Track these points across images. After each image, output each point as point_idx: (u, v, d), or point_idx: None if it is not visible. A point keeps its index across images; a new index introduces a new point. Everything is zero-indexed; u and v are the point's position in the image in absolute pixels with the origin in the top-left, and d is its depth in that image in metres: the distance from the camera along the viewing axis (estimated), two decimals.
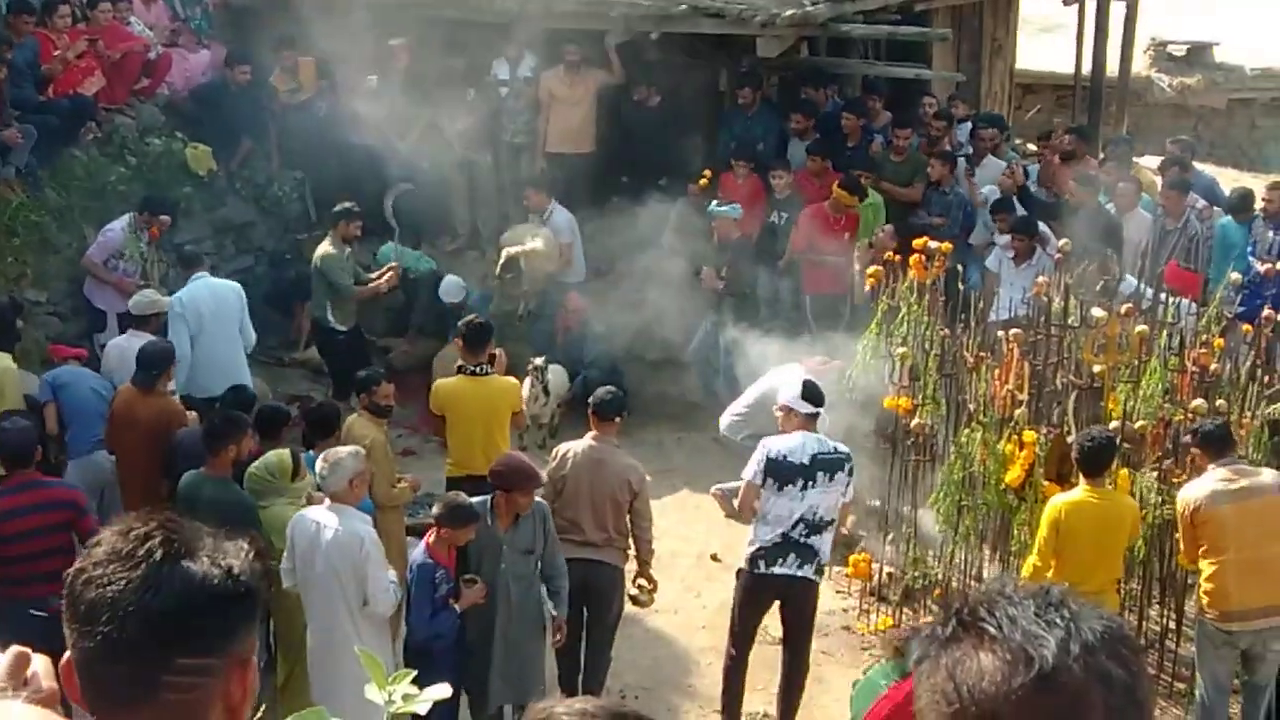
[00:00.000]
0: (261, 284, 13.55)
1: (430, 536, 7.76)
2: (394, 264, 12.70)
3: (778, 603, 8.53)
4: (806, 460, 8.21)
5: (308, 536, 7.55)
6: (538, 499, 8.03)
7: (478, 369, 9.49)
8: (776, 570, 8.26)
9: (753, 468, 8.31)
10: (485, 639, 7.92)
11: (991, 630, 1.68)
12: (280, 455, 8.27)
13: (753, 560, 8.32)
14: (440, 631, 7.66)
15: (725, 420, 10.84)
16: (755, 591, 8.41)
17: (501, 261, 12.74)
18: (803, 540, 8.26)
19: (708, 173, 13.38)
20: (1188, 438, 8.38)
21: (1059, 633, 1.66)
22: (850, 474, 8.40)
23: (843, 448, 8.50)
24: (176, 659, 1.97)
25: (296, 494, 8.17)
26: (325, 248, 12.24)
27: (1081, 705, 1.64)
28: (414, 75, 14.41)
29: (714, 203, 12.82)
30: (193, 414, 9.58)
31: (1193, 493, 8.02)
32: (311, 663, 7.79)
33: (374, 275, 12.51)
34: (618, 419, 8.73)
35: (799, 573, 8.29)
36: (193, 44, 14.57)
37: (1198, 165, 14.88)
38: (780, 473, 8.19)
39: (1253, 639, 7.96)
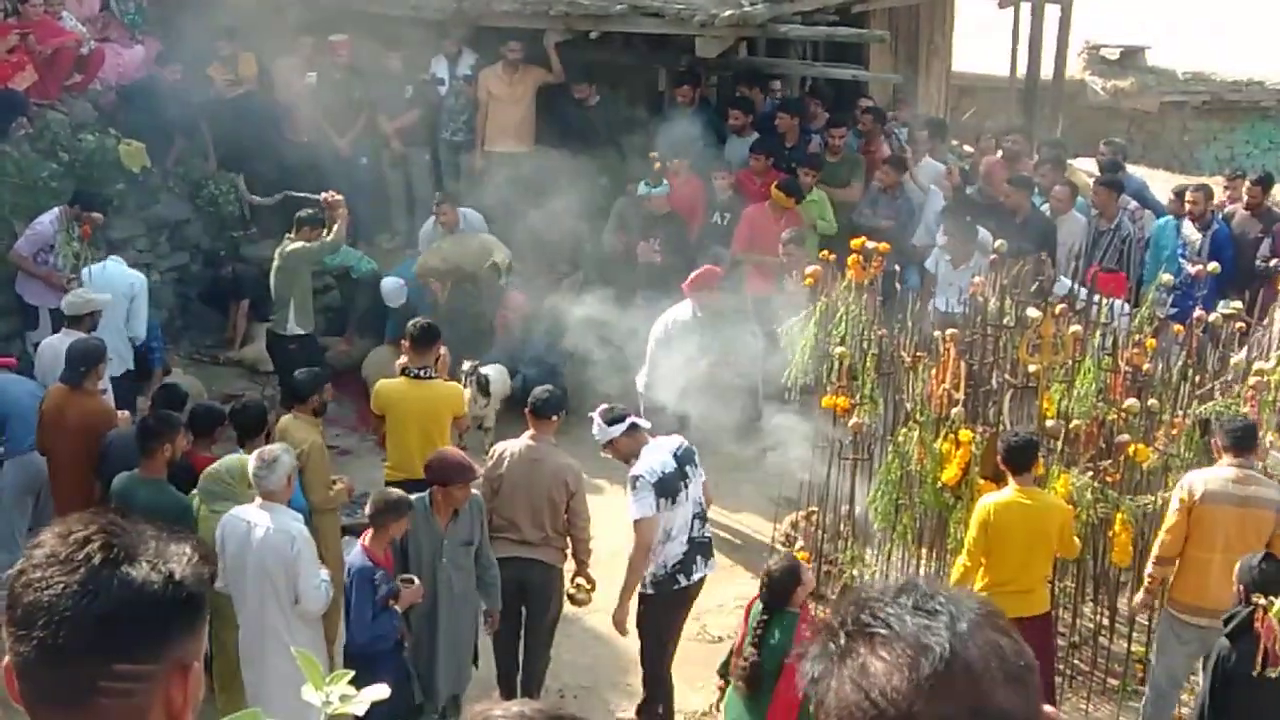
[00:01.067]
0: (197, 282, 13.44)
1: (365, 537, 7.71)
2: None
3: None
4: (674, 464, 8.23)
5: (238, 536, 7.49)
6: (473, 491, 8.05)
7: (421, 372, 9.42)
8: (694, 578, 8.31)
9: (646, 502, 8.11)
10: (430, 633, 7.97)
11: (882, 632, 1.73)
12: (241, 459, 8.16)
13: (670, 579, 8.26)
14: (382, 633, 7.61)
15: (641, 380, 10.86)
16: (676, 607, 8.41)
17: (504, 265, 12.60)
18: (700, 536, 8.35)
19: (654, 156, 13.34)
20: (1216, 430, 8.27)
21: (944, 618, 1.73)
22: (694, 451, 8.49)
23: (675, 436, 8.65)
24: (115, 665, 1.96)
25: (249, 500, 8.09)
26: (300, 245, 11.90)
27: (984, 678, 1.71)
28: (353, 72, 14.34)
29: (643, 183, 12.89)
30: (124, 414, 9.47)
31: (1200, 483, 7.92)
32: (243, 662, 7.74)
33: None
34: (555, 418, 8.70)
35: (705, 571, 8.42)
36: (126, 39, 14.42)
37: (1129, 167, 15.08)
38: (668, 488, 8.18)
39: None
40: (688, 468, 8.28)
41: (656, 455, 8.26)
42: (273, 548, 7.42)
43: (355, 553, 7.71)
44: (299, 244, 11.77)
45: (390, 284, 12.97)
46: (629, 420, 8.36)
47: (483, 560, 8.20)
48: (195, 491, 8.24)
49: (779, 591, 7.15)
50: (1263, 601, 6.82)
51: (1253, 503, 7.84)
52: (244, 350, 13.28)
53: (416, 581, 7.73)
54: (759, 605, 7.29)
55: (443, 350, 9.86)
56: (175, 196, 13.71)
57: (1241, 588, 7.00)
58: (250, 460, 7.66)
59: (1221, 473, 7.93)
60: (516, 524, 8.44)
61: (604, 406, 8.62)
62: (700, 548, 8.34)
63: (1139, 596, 8.49)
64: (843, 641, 1.76)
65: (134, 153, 13.22)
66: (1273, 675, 6.75)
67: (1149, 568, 8.15)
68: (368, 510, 7.76)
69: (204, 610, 2.08)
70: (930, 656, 1.70)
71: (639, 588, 8.30)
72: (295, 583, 7.43)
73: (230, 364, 13.23)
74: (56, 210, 11.67)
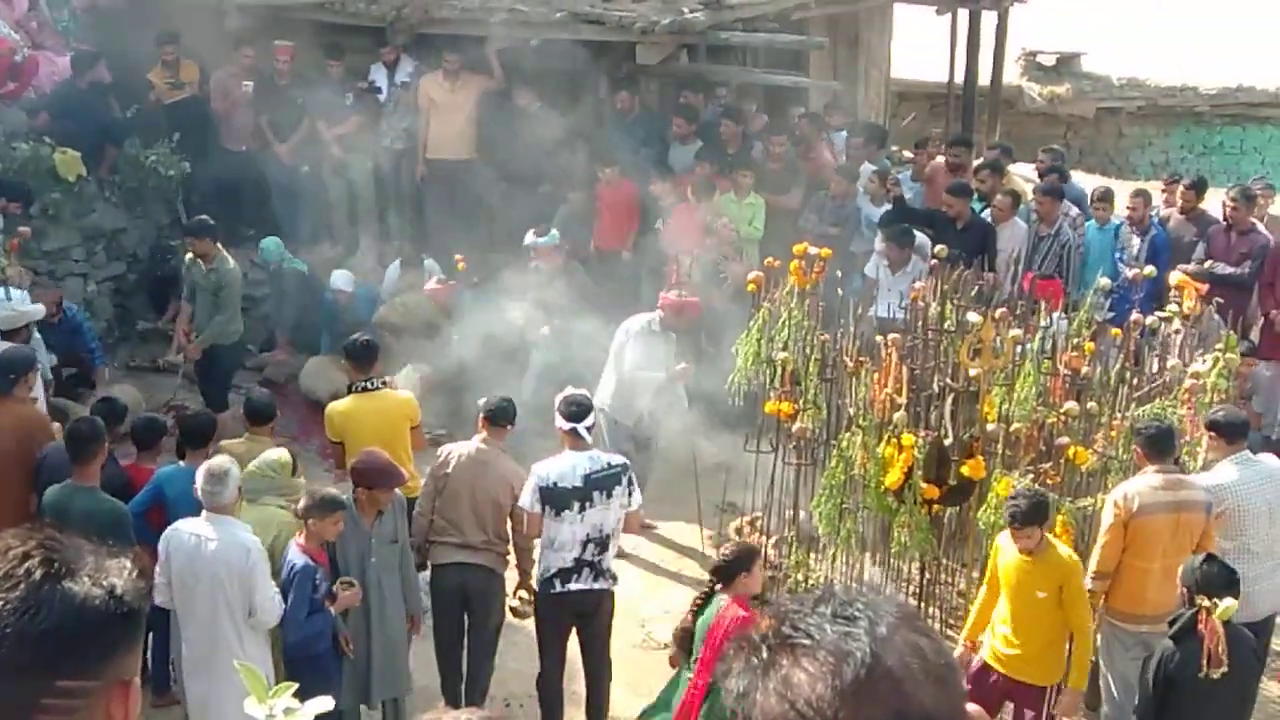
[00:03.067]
0: (136, 292, 13.31)
1: (300, 536, 7.64)
2: None
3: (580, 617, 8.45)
4: (579, 482, 8.16)
5: (186, 550, 7.41)
6: (395, 491, 8.07)
7: (369, 384, 9.33)
8: (572, 587, 8.25)
9: (528, 496, 8.21)
10: (365, 635, 7.95)
11: (804, 642, 1.75)
12: (279, 453, 8.10)
13: (548, 581, 8.27)
14: (319, 632, 7.56)
15: (599, 396, 10.78)
16: (554, 610, 8.36)
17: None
18: (594, 559, 8.27)
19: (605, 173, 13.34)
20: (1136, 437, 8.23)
21: (863, 623, 1.75)
22: (630, 484, 8.36)
23: (617, 460, 8.48)
24: (56, 681, 1.94)
25: (294, 490, 8.02)
26: (235, 265, 11.90)
27: (906, 679, 1.72)
28: (293, 79, 14.27)
29: (530, 233, 12.60)
30: (56, 425, 9.34)
31: (1134, 496, 7.88)
32: (189, 676, 7.67)
33: None
34: (509, 426, 8.71)
35: (594, 585, 8.30)
36: (60, 47, 14.26)
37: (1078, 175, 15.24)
38: (554, 500, 8.15)
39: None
40: (597, 493, 8.18)
41: (563, 466, 8.24)
42: (226, 560, 7.34)
43: (293, 552, 7.62)
44: (236, 266, 11.90)
45: (340, 276, 12.96)
46: (571, 426, 8.35)
47: (404, 560, 8.21)
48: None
49: (725, 571, 7.25)
50: (1207, 604, 6.89)
51: (1185, 507, 7.87)
52: (181, 357, 13.14)
53: (356, 585, 7.69)
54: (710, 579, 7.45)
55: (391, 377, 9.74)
56: (111, 205, 13.55)
57: (1185, 590, 7.04)
58: (199, 474, 7.56)
59: (1150, 481, 7.92)
60: (459, 526, 8.42)
61: (570, 394, 8.58)
62: (590, 567, 8.26)
63: None
64: (765, 655, 1.77)
65: (68, 161, 13.06)
66: (1215, 676, 6.82)
67: (1088, 583, 8.04)
68: (301, 505, 7.65)
69: (142, 624, 2.07)
70: (852, 663, 1.71)
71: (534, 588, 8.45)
72: (251, 595, 7.36)
73: (169, 369, 13.08)
74: None
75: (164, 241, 13.85)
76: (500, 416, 8.65)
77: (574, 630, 8.46)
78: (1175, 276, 11.08)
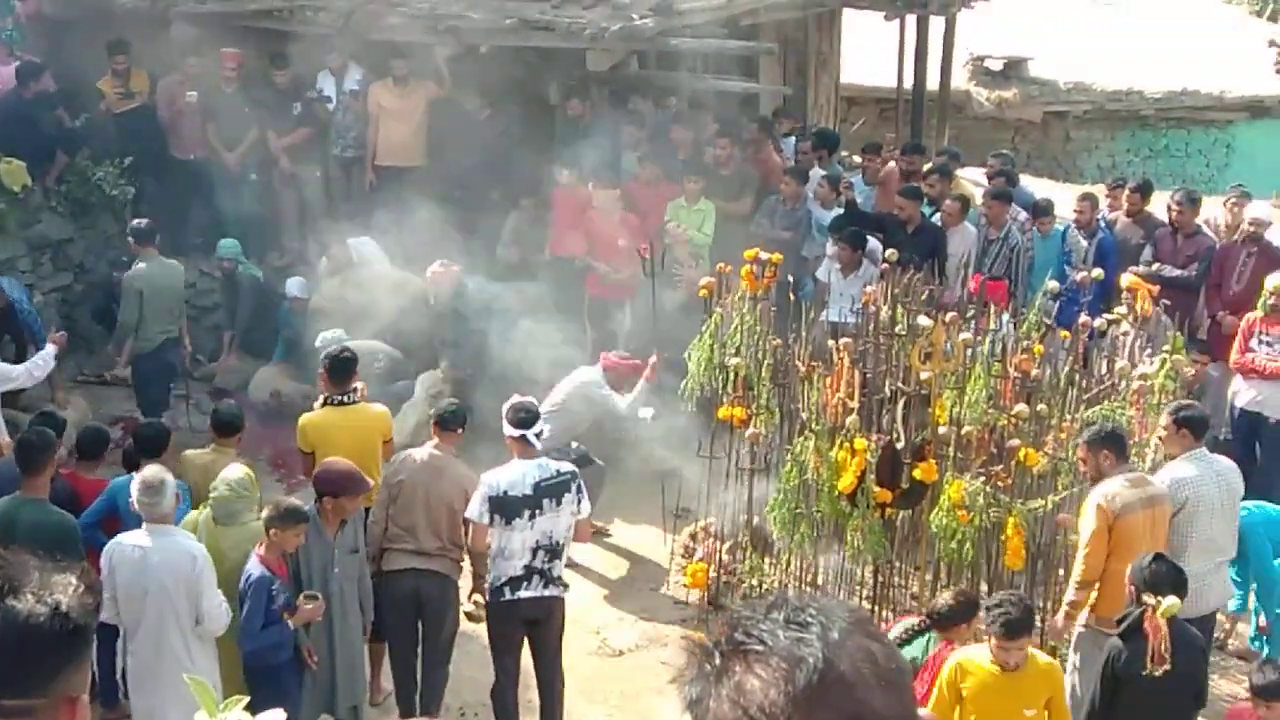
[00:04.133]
0: (82, 302, 13.18)
1: (260, 546, 7.59)
2: None
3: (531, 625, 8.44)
4: (529, 490, 8.18)
5: (131, 563, 7.35)
6: None
7: (345, 398, 9.23)
8: (523, 594, 8.24)
9: (477, 506, 8.21)
10: (328, 644, 7.94)
11: (757, 648, 1.76)
12: (241, 470, 8.03)
13: (498, 590, 8.27)
14: (276, 643, 7.52)
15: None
16: (506, 618, 8.35)
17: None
18: (544, 566, 8.28)
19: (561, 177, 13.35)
20: (1085, 439, 8.21)
21: (816, 629, 1.76)
22: (579, 491, 8.38)
23: (566, 468, 8.49)
24: (2, 700, 1.92)
25: (256, 503, 8.01)
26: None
27: (858, 684, 1.73)
28: (241, 86, 14.17)
29: (439, 262, 12.28)
30: (5, 440, 9.24)
31: (1115, 498, 7.87)
32: (134, 690, 7.61)
33: None
34: (460, 430, 8.72)
35: (545, 592, 8.30)
36: (4, 56, 14.10)
37: (1020, 179, 15.33)
38: (505, 509, 8.16)
39: None
40: (547, 500, 8.20)
41: (514, 474, 8.25)
42: (173, 569, 7.31)
43: (252, 562, 7.57)
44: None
45: (295, 283, 12.90)
46: (520, 433, 8.34)
47: (363, 569, 8.23)
48: (195, 513, 8.00)
49: (945, 620, 7.25)
50: (1151, 601, 6.95)
51: (1155, 502, 7.99)
52: (129, 369, 13.03)
53: (320, 599, 7.65)
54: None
55: (360, 384, 9.60)
56: (58, 215, 13.41)
57: (1133, 588, 7.10)
58: (132, 487, 7.51)
59: (1120, 482, 7.96)
60: (414, 532, 8.40)
61: (518, 401, 8.57)
62: (540, 573, 8.26)
63: (1058, 619, 8.27)
64: (718, 661, 1.78)
65: (14, 171, 12.93)
66: (1157, 674, 6.87)
67: (1071, 593, 8.03)
68: (265, 514, 7.61)
69: (90, 640, 2.04)
70: (804, 668, 1.72)
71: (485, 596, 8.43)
72: (198, 602, 7.32)
73: (118, 382, 12.96)
74: None
75: (111, 253, 13.72)
76: (451, 421, 8.67)
77: (526, 639, 8.44)
78: (1127, 278, 11.17)
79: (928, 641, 7.39)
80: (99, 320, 13.43)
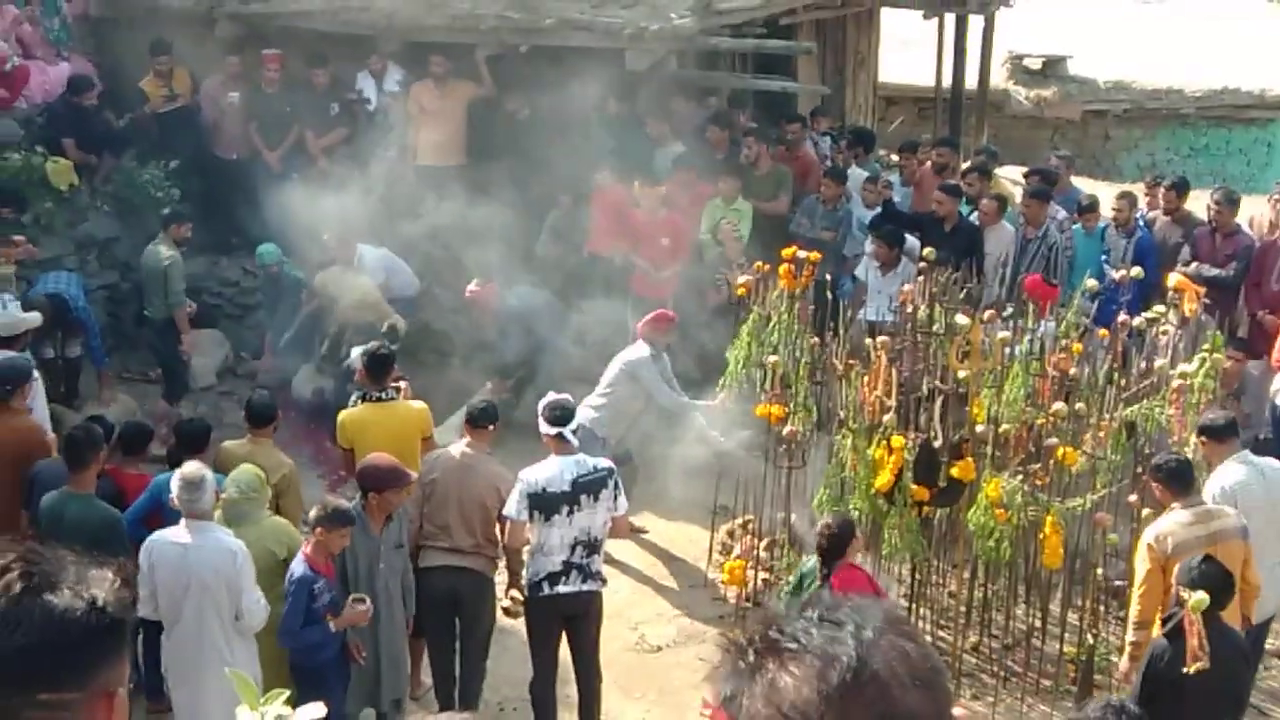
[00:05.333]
0: (128, 301, 13.30)
1: (308, 545, 7.64)
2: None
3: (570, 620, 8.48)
4: (567, 487, 8.23)
5: (171, 559, 7.41)
6: None
7: (383, 394, 9.30)
8: (561, 589, 8.29)
9: (514, 504, 8.26)
10: (373, 639, 7.98)
11: (790, 646, 1.76)
12: (247, 469, 8.07)
13: (536, 585, 8.32)
14: (318, 643, 7.55)
15: (584, 413, 10.78)
16: (545, 614, 8.40)
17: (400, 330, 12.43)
18: (583, 561, 8.32)
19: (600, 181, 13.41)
20: (1148, 474, 8.13)
21: (850, 628, 1.76)
22: (616, 487, 8.41)
23: (604, 464, 8.52)
24: (38, 695, 1.93)
25: (265, 500, 8.08)
26: (169, 251, 12.09)
27: (892, 685, 1.73)
28: (281, 87, 14.28)
29: (475, 281, 12.45)
30: (51, 435, 9.35)
31: (1167, 537, 7.71)
32: (174, 685, 7.69)
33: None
34: (491, 427, 8.75)
35: (583, 587, 8.35)
36: (51, 56, 14.27)
37: (1074, 180, 15.24)
38: (544, 504, 8.21)
39: None
40: (584, 496, 8.25)
41: (551, 471, 8.30)
42: (214, 565, 7.37)
43: (297, 560, 7.63)
44: (169, 252, 12.18)
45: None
46: (557, 431, 8.40)
47: (405, 564, 8.27)
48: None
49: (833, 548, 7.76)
50: (1184, 595, 6.91)
51: (1220, 538, 7.67)
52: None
53: (368, 603, 7.67)
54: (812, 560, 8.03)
55: (403, 383, 9.66)
56: (104, 214, 13.56)
57: (1178, 588, 7.02)
58: (173, 483, 7.58)
59: (1179, 519, 7.76)
60: (448, 530, 8.46)
61: (554, 399, 8.61)
62: (579, 570, 8.31)
63: (1124, 664, 8.05)
64: (752, 658, 1.79)
65: (61, 170, 13.06)
66: (1190, 671, 6.83)
67: (1131, 634, 7.88)
68: (312, 515, 7.67)
69: (127, 635, 2.06)
70: (838, 667, 1.72)
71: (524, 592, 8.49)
72: (239, 598, 7.39)
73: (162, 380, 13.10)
74: None
75: None
76: (482, 419, 8.70)
77: (564, 634, 8.50)
78: (1174, 278, 11.11)
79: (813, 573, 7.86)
80: (142, 320, 13.57)
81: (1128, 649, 8.00)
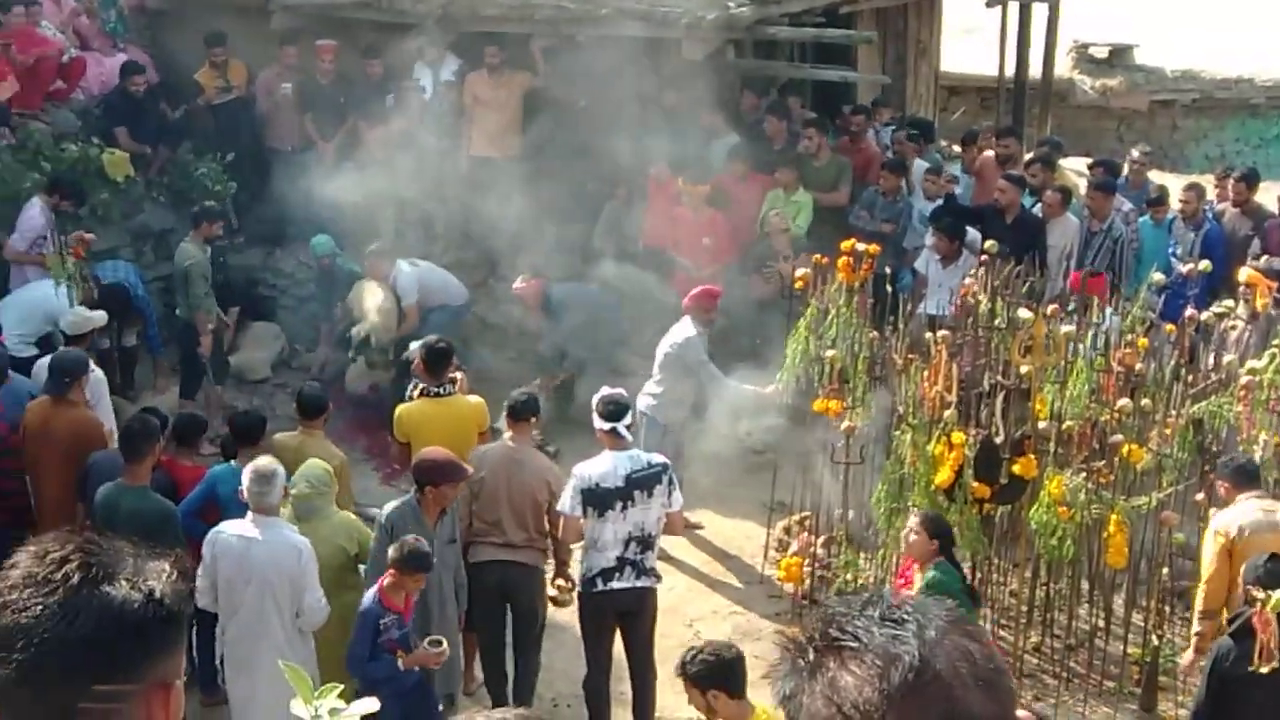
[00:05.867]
0: None
1: (385, 579, 7.42)
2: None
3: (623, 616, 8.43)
4: (621, 482, 8.18)
5: (234, 553, 7.42)
6: None
7: (441, 389, 9.29)
8: (615, 585, 8.23)
9: (568, 500, 8.23)
10: (424, 633, 7.92)
11: (852, 644, 1.74)
12: (319, 465, 8.06)
13: (590, 581, 8.28)
14: (385, 677, 7.23)
15: (644, 400, 10.67)
16: (598, 610, 8.37)
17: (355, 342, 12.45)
18: (637, 557, 8.27)
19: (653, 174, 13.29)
20: (1213, 473, 8.22)
21: (912, 627, 1.74)
22: (671, 483, 8.37)
23: (658, 459, 8.47)
24: (94, 686, 1.93)
25: (334, 497, 8.09)
26: (192, 250, 12.12)
27: (955, 685, 1.71)
28: (336, 78, 14.29)
29: (520, 278, 12.40)
30: (111, 427, 9.39)
31: (1233, 524, 7.78)
32: (231, 678, 7.69)
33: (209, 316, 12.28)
34: (532, 420, 8.76)
35: (637, 583, 8.30)
36: (108, 47, 14.37)
37: (1151, 174, 15.00)
38: (597, 500, 8.16)
39: None
40: (638, 492, 8.20)
41: (605, 466, 8.25)
42: (277, 562, 7.37)
43: (370, 591, 7.49)
44: (192, 250, 12.16)
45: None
46: (611, 426, 8.33)
47: (458, 559, 8.25)
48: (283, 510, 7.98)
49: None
50: (1260, 595, 6.77)
51: None
52: (230, 358, 13.20)
53: (444, 645, 7.47)
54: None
55: (459, 374, 9.64)
56: (160, 206, 13.61)
57: (1246, 588, 6.96)
58: (244, 475, 7.56)
59: (1247, 508, 7.83)
60: (500, 526, 8.45)
61: (607, 394, 8.55)
62: (633, 565, 8.26)
63: (1188, 656, 8.10)
64: (812, 657, 1.77)
65: (117, 162, 13.14)
66: (1265, 670, 6.68)
67: (1196, 624, 7.89)
68: (390, 554, 7.40)
69: (183, 627, 2.06)
70: (900, 666, 1.70)
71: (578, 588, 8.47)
72: (301, 596, 7.36)
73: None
74: (38, 200, 11.83)
75: (214, 242, 13.89)
76: (523, 411, 8.67)
77: (618, 630, 8.43)
78: (1245, 273, 10.89)
79: None
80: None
81: (1193, 640, 7.98)
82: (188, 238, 12.33)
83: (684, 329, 10.56)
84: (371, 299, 12.40)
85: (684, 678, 6.18)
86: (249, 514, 7.51)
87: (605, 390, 8.63)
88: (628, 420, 8.44)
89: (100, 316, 10.61)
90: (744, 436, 10.61)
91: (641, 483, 8.23)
